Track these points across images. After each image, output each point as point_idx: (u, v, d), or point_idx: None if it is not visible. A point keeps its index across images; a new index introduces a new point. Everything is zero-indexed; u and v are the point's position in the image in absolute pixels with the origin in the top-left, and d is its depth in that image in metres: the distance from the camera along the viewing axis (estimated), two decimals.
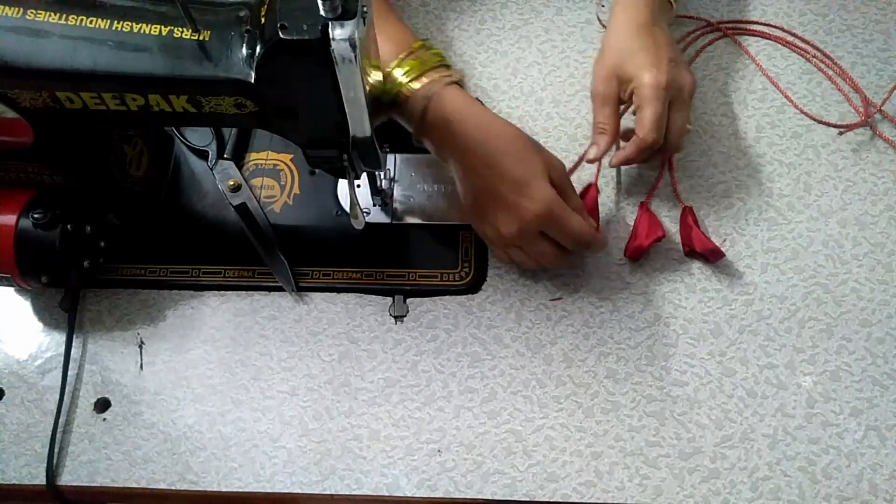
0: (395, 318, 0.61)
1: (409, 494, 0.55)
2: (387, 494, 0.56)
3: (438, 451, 0.57)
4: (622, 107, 0.62)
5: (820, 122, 0.67)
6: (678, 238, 0.63)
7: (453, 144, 0.56)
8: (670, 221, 0.64)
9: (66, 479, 0.57)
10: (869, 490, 0.54)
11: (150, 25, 0.48)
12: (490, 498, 0.55)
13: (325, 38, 0.44)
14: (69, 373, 0.59)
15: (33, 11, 0.47)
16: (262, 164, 0.67)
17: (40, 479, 0.57)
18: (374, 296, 0.62)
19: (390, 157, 0.66)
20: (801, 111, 0.68)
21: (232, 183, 0.66)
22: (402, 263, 0.63)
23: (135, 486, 0.57)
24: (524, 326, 0.60)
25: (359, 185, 0.62)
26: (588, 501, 0.55)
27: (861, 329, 0.59)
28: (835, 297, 0.61)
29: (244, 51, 0.47)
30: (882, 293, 0.61)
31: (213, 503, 0.57)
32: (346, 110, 0.49)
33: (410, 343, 0.60)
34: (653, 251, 0.62)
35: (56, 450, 0.57)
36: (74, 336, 0.60)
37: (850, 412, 0.57)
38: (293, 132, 0.53)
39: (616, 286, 0.62)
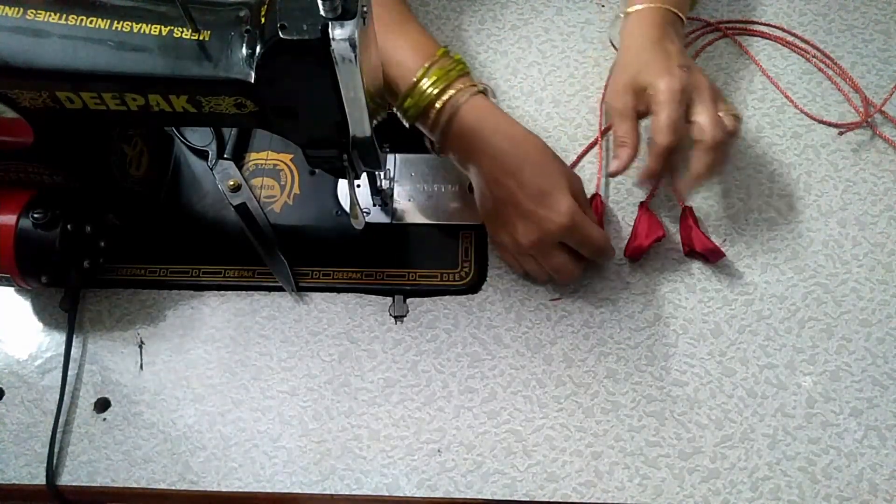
0: (395, 318, 0.61)
1: (409, 494, 0.55)
2: (387, 494, 0.56)
3: (438, 451, 0.57)
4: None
5: (820, 121, 0.67)
6: (678, 238, 0.63)
7: (478, 153, 0.57)
8: (670, 221, 0.64)
9: (66, 479, 0.57)
10: (869, 490, 0.54)
11: (150, 25, 0.48)
12: (490, 498, 0.55)
13: (325, 38, 0.44)
14: (69, 373, 0.59)
15: (33, 11, 0.47)
16: (262, 164, 0.67)
17: (40, 479, 0.57)
18: (374, 296, 0.62)
19: (390, 157, 0.66)
20: (802, 111, 0.68)
21: (232, 183, 0.66)
22: (402, 263, 0.63)
23: (135, 486, 0.57)
24: (524, 326, 0.60)
25: (359, 185, 0.62)
26: (588, 501, 0.55)
27: (861, 329, 0.59)
28: (835, 297, 0.61)
29: (244, 51, 0.47)
30: (882, 293, 0.61)
31: (213, 503, 0.57)
32: (346, 110, 0.49)
33: (410, 343, 0.60)
34: (653, 251, 0.62)
35: (56, 450, 0.57)
36: (74, 336, 0.60)
37: (850, 412, 0.57)
38: (293, 132, 0.53)
39: (616, 286, 0.62)
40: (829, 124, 0.67)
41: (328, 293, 0.62)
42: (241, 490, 0.56)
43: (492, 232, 0.61)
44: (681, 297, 0.61)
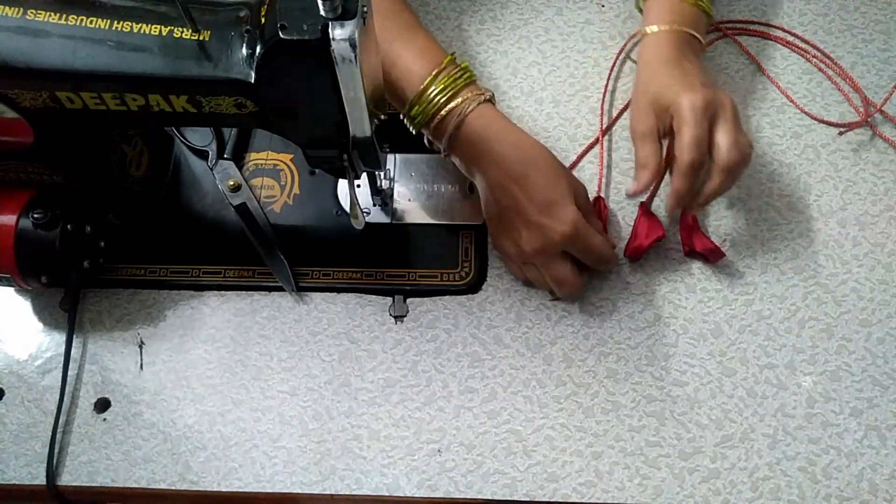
0: (395, 318, 0.61)
1: (409, 494, 0.55)
2: (387, 494, 0.56)
3: (438, 451, 0.57)
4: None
5: (820, 121, 0.67)
6: (678, 238, 0.63)
7: (484, 161, 0.57)
8: (670, 221, 0.64)
9: (66, 479, 0.57)
10: (869, 490, 0.54)
11: (150, 25, 0.48)
12: (490, 498, 0.55)
13: (325, 38, 0.44)
14: (69, 373, 0.59)
15: (33, 11, 0.47)
16: (262, 164, 0.67)
17: (40, 479, 0.57)
18: (374, 296, 0.62)
19: (390, 157, 0.66)
20: (802, 110, 0.68)
21: (232, 183, 0.66)
22: (402, 263, 0.63)
23: (135, 486, 0.57)
24: (524, 326, 0.60)
25: (359, 185, 0.62)
26: (588, 501, 0.55)
27: (861, 329, 0.59)
28: (835, 297, 0.61)
29: (244, 51, 0.47)
30: (882, 293, 0.61)
31: (213, 503, 0.57)
32: (346, 110, 0.49)
33: (410, 343, 0.60)
34: (653, 251, 0.62)
35: (56, 450, 0.57)
36: (74, 336, 0.60)
37: (850, 412, 0.57)
38: (293, 132, 0.53)
39: (616, 286, 0.62)
40: (830, 124, 0.67)
41: (328, 293, 0.62)
42: (241, 490, 0.56)
43: (495, 239, 0.61)
44: (681, 297, 0.61)
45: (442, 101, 0.57)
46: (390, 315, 0.62)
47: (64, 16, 0.48)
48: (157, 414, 0.59)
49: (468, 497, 0.55)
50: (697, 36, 0.62)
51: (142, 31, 0.48)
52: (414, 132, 0.60)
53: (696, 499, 0.55)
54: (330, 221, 0.65)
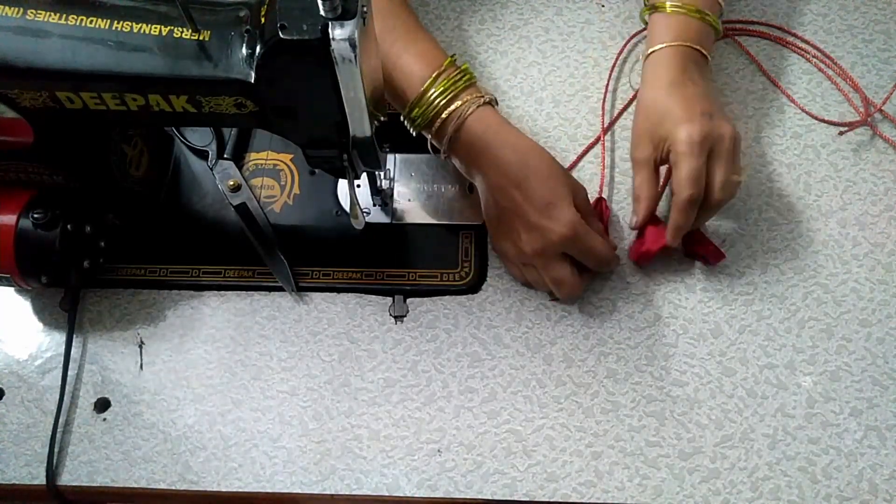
0: (395, 318, 0.61)
1: (409, 494, 0.55)
2: (387, 494, 0.56)
3: (438, 451, 0.57)
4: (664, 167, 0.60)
5: (820, 120, 0.67)
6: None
7: (484, 163, 0.57)
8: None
9: (66, 479, 0.57)
10: (869, 490, 0.54)
11: (150, 25, 0.48)
12: (490, 498, 0.55)
13: (325, 38, 0.44)
14: (69, 373, 0.59)
15: (33, 11, 0.47)
16: (262, 164, 0.67)
17: (40, 479, 0.57)
18: (374, 296, 0.62)
19: (390, 157, 0.66)
20: (802, 110, 0.68)
21: (232, 183, 0.66)
22: (402, 263, 0.63)
23: (135, 486, 0.57)
24: (524, 326, 0.60)
25: (359, 185, 0.62)
26: (588, 501, 0.55)
27: (861, 329, 0.59)
28: (835, 297, 0.61)
29: (244, 51, 0.47)
30: (882, 293, 0.61)
31: (213, 503, 0.57)
32: (346, 110, 0.49)
33: (410, 343, 0.60)
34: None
35: (56, 450, 0.57)
36: (74, 336, 0.60)
37: (850, 412, 0.57)
38: (293, 132, 0.53)
39: (616, 286, 0.62)
40: (830, 123, 0.67)
41: (328, 293, 0.62)
42: (241, 490, 0.56)
43: (495, 240, 0.61)
44: (681, 297, 0.61)
45: (442, 103, 0.57)
46: (390, 315, 0.62)
47: (64, 16, 0.48)
48: (157, 414, 0.59)
49: (468, 497, 0.55)
50: (704, 52, 0.61)
51: (142, 31, 0.48)
52: (414, 134, 0.60)
53: (696, 499, 0.55)
54: (330, 221, 0.65)
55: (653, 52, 0.61)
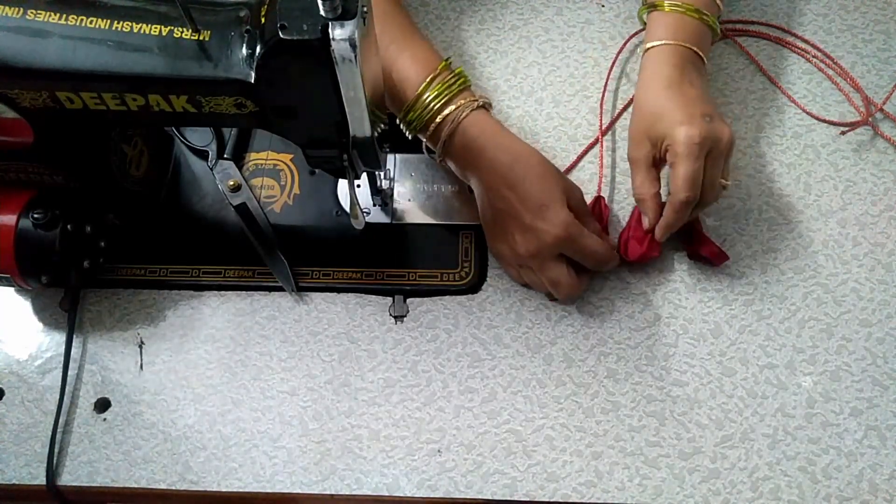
0: (395, 318, 0.61)
1: (409, 494, 0.55)
2: (387, 494, 0.56)
3: (438, 451, 0.57)
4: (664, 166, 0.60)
5: (821, 120, 0.67)
6: (679, 239, 0.63)
7: (479, 166, 0.58)
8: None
9: (66, 479, 0.57)
10: (869, 490, 0.54)
11: (150, 25, 0.48)
12: (490, 498, 0.55)
13: (325, 38, 0.44)
14: (69, 373, 0.59)
15: (33, 11, 0.47)
16: (262, 164, 0.67)
17: (40, 479, 0.57)
18: (374, 296, 0.62)
19: (390, 157, 0.66)
20: (803, 110, 0.68)
21: (232, 183, 0.66)
22: (402, 263, 0.63)
23: (135, 486, 0.57)
24: (524, 326, 0.60)
25: (359, 185, 0.62)
26: (588, 501, 0.55)
27: (861, 329, 0.59)
28: (835, 297, 0.61)
29: (244, 51, 0.47)
30: (882, 293, 0.61)
31: (213, 503, 0.57)
32: (346, 110, 0.49)
33: (410, 343, 0.60)
34: None
35: (56, 450, 0.57)
36: (74, 336, 0.60)
37: (850, 412, 0.57)
38: (293, 132, 0.53)
39: (616, 286, 0.62)
40: (830, 123, 0.67)
41: (328, 293, 0.62)
42: (241, 490, 0.56)
43: (491, 243, 0.62)
44: (681, 297, 0.61)
45: (437, 107, 0.57)
46: (390, 315, 0.62)
47: (64, 16, 0.48)
48: (157, 414, 0.59)
49: (468, 497, 0.55)
50: (701, 54, 0.61)
51: (142, 31, 0.48)
52: (410, 137, 0.61)
53: (696, 499, 0.55)
54: (330, 221, 0.65)
55: (651, 47, 0.61)
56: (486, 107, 0.59)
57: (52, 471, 0.56)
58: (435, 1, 0.75)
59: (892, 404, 0.57)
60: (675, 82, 0.59)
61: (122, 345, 0.61)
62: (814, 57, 0.70)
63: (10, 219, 0.55)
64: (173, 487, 0.56)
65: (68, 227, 0.56)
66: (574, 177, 0.66)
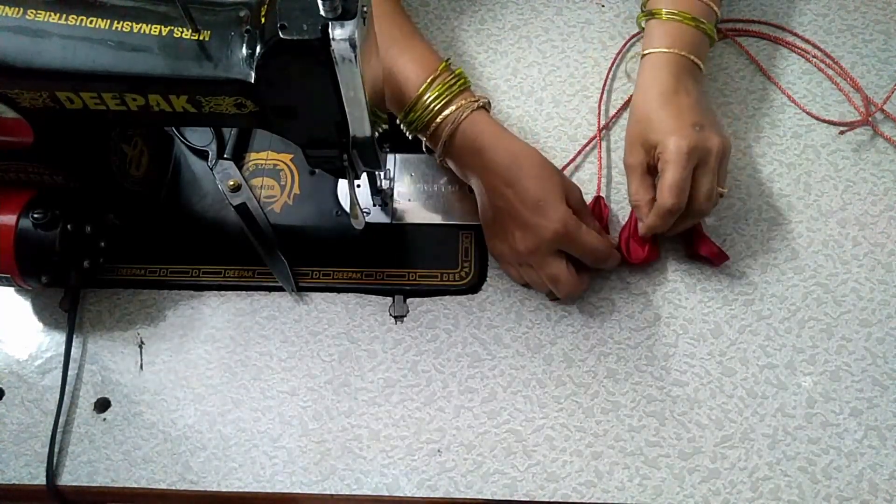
0: (395, 318, 0.61)
1: (409, 494, 0.55)
2: (387, 494, 0.56)
3: (438, 451, 0.57)
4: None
5: (821, 120, 0.67)
6: (679, 238, 0.63)
7: (479, 166, 0.58)
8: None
9: (66, 479, 0.57)
10: (869, 490, 0.54)
11: (150, 25, 0.48)
12: (490, 498, 0.55)
13: (325, 38, 0.44)
14: (69, 373, 0.59)
15: (33, 11, 0.47)
16: (262, 164, 0.67)
17: (40, 479, 0.57)
18: (374, 296, 0.62)
19: (390, 157, 0.66)
20: (802, 110, 0.68)
21: (232, 183, 0.66)
22: (402, 263, 0.63)
23: (135, 486, 0.57)
24: (524, 326, 0.60)
25: (359, 185, 0.62)
26: (588, 501, 0.55)
27: (861, 329, 0.59)
28: (835, 297, 0.61)
29: (244, 51, 0.47)
30: (882, 293, 0.61)
31: (213, 503, 0.57)
32: (346, 110, 0.49)
33: (410, 343, 0.60)
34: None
35: (56, 450, 0.57)
36: (74, 336, 0.60)
37: (850, 412, 0.57)
38: (293, 132, 0.53)
39: (616, 286, 0.62)
40: (830, 123, 0.67)
41: (328, 293, 0.62)
42: (241, 490, 0.56)
43: (491, 242, 0.62)
44: (681, 297, 0.61)
45: (437, 108, 0.58)
46: (390, 315, 0.62)
47: (64, 16, 0.48)
48: (157, 414, 0.59)
49: (468, 497, 0.55)
50: (697, 62, 0.61)
51: (142, 31, 0.48)
52: (410, 137, 0.61)
53: (696, 499, 0.55)
54: (330, 221, 0.65)
55: (648, 53, 0.62)
56: (486, 107, 0.59)
57: (52, 471, 0.56)
58: (435, 1, 0.75)
59: (892, 404, 0.57)
60: (670, 90, 0.59)
61: (122, 345, 0.61)
62: (814, 57, 0.70)
63: (10, 219, 0.55)
64: (173, 487, 0.56)
65: (68, 227, 0.56)
66: (574, 177, 0.66)
